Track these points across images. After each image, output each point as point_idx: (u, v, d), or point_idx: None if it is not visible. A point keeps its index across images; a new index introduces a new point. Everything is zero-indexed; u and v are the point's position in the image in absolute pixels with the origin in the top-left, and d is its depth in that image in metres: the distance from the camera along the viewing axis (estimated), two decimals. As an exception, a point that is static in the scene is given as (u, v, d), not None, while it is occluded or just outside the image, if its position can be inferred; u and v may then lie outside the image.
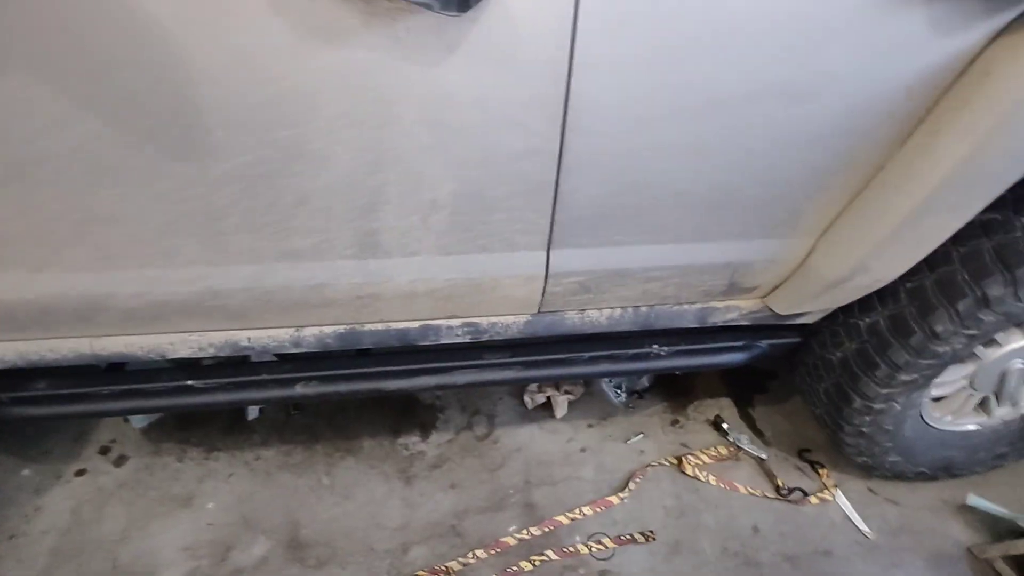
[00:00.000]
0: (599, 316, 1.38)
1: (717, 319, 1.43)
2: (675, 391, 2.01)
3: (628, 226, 1.17)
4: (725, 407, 1.97)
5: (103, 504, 1.59)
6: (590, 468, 1.75)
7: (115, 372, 1.34)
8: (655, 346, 1.46)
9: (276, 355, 1.40)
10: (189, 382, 1.30)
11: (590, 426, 1.89)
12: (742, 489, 1.71)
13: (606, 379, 1.96)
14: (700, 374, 2.08)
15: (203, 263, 1.08)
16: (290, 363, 1.38)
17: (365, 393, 1.35)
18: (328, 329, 1.29)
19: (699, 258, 1.26)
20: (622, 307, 1.38)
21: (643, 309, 1.39)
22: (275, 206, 1.01)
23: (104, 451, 1.72)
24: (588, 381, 1.99)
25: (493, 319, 1.34)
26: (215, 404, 1.31)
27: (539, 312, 1.35)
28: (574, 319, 1.37)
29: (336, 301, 1.20)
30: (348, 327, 1.29)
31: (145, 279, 1.08)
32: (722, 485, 1.72)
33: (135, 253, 1.03)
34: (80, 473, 1.66)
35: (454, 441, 1.82)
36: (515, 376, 1.40)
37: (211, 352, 1.26)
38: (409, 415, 1.89)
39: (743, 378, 2.06)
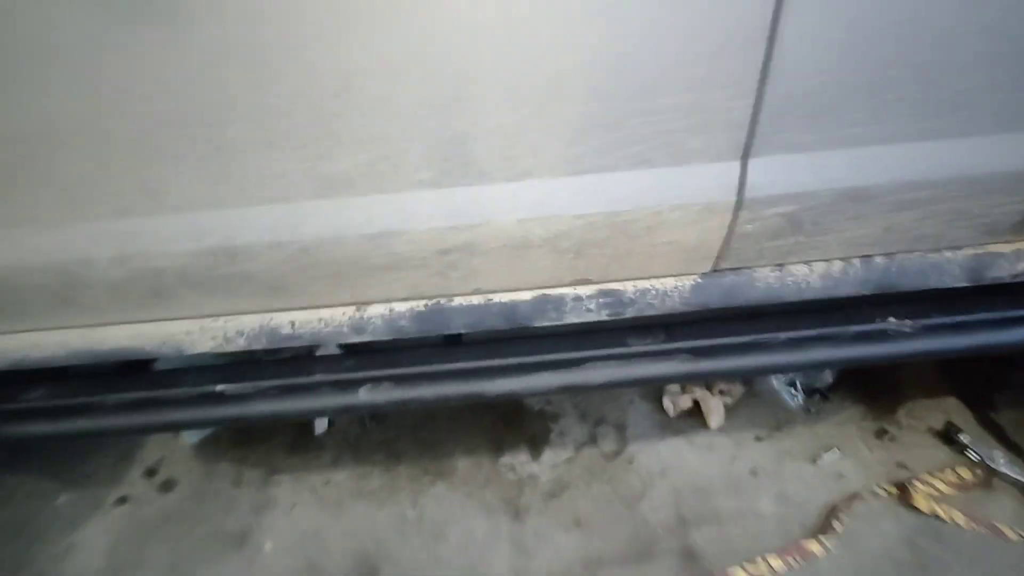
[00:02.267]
0: (808, 274, 0.89)
1: (1000, 272, 0.90)
2: (873, 389, 1.46)
3: (876, 108, 0.68)
4: (953, 410, 1.40)
5: (144, 542, 1.28)
6: (768, 499, 1.25)
7: (129, 377, 1.01)
8: (892, 319, 0.95)
9: (339, 346, 1.02)
10: (217, 388, 0.94)
11: (759, 440, 1.38)
12: (1009, 533, 1.15)
13: (777, 375, 1.45)
14: (906, 366, 1.52)
15: (206, 204, 0.70)
16: (356, 357, 0.98)
17: (457, 399, 0.93)
18: (401, 307, 0.89)
19: (988, 162, 0.75)
20: (845, 258, 0.88)
21: (878, 260, 0.89)
22: (302, 105, 0.61)
23: (150, 473, 1.42)
24: (750, 378, 1.48)
25: (644, 284, 0.89)
26: (251, 418, 0.93)
27: (714, 271, 0.88)
28: (768, 280, 0.89)
29: (411, 259, 0.79)
30: (430, 302, 0.88)
31: (124, 234, 0.72)
32: (975, 526, 1.16)
33: (103, 195, 0.67)
34: (121, 501, 1.36)
35: (575, 460, 1.37)
36: (679, 371, 0.93)
37: (242, 343, 0.89)
38: (514, 426, 1.46)
39: (971, 368, 1.48)
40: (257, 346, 0.90)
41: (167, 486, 1.39)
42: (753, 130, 0.69)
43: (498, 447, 1.41)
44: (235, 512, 1.33)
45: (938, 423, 1.37)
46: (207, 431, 1.49)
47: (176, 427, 0.99)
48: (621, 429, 1.43)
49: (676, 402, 1.44)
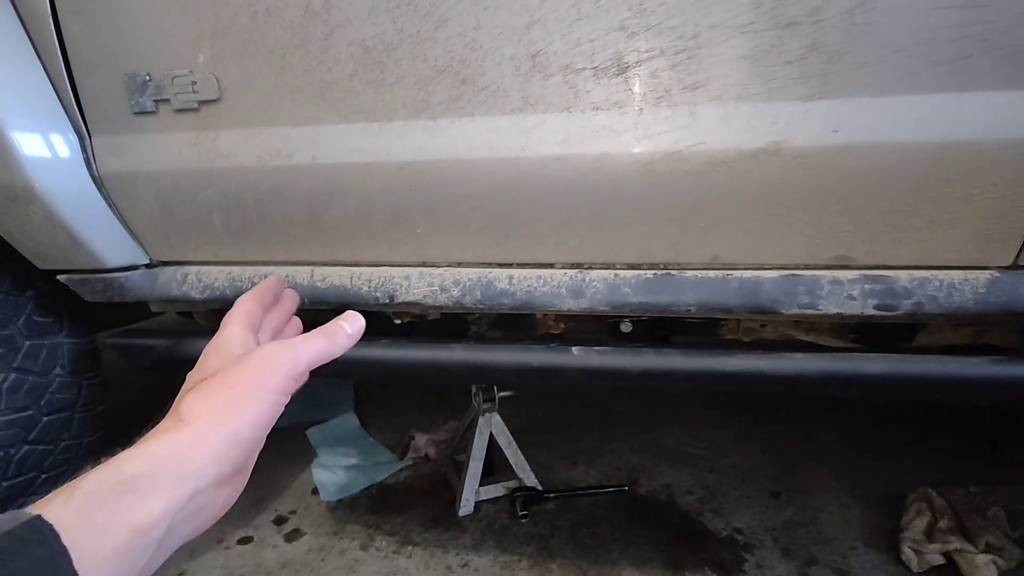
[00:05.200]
0: None
1: None
2: None
3: None
4: None
5: (256, 582, 1.11)
6: None
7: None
8: None
9: (531, 314, 0.93)
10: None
11: (1064, 622, 0.97)
12: None
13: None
14: None
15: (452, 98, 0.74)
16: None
17: (694, 379, 0.77)
18: (627, 273, 0.81)
19: None
20: None
21: None
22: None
23: (279, 521, 1.29)
24: (1025, 541, 1.11)
25: (922, 273, 0.75)
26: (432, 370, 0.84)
27: (1016, 265, 0.72)
28: (1098, 283, 0.71)
29: (656, 202, 0.75)
30: (660, 271, 0.81)
31: (380, 135, 0.77)
32: None
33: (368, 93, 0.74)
34: (245, 541, 1.23)
35: (782, 598, 1.04)
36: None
37: (455, 294, 0.85)
38: (696, 547, 1.17)
39: None
40: (469, 300, 0.85)
41: (293, 536, 1.24)
42: (1082, 47, 0.62)
43: (676, 566, 1.12)
44: (358, 574, 1.13)
45: None
46: (346, 493, 1.36)
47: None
48: (843, 574, 1.09)
49: (922, 552, 1.09)
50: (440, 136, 0.78)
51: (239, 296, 0.92)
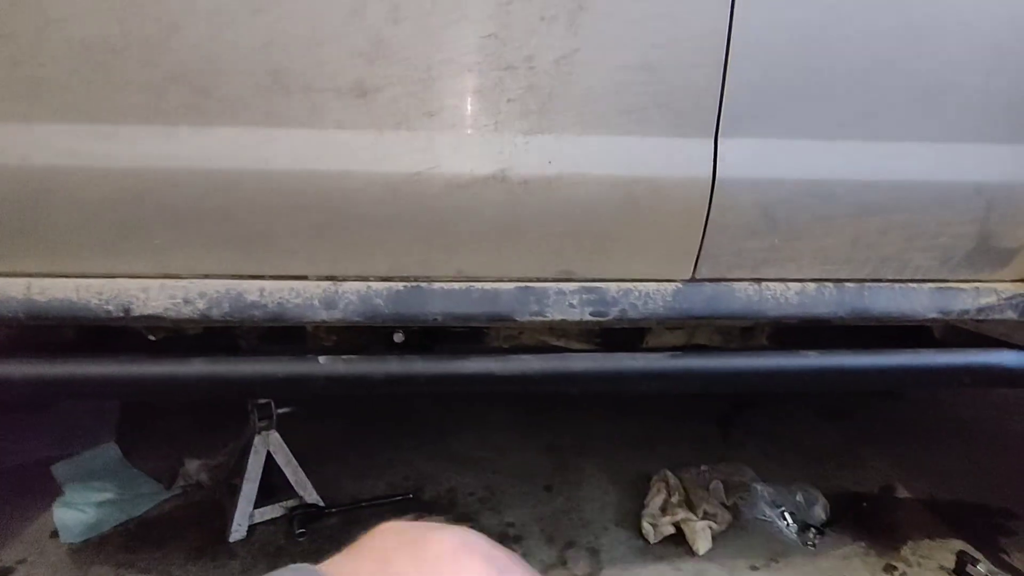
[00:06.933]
0: (785, 291, 0.91)
1: (963, 308, 0.93)
2: (871, 529, 1.32)
3: (838, 98, 0.80)
4: (962, 548, 1.26)
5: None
6: (774, 629, 1.04)
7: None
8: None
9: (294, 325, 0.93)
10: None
11: (755, 569, 1.19)
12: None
13: (770, 503, 1.32)
14: (905, 507, 1.40)
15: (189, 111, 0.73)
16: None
17: (435, 382, 0.83)
18: (379, 285, 0.85)
19: (940, 172, 0.85)
20: (818, 280, 0.92)
21: (850, 287, 0.92)
22: None
23: (4, 573, 1.12)
24: (736, 508, 1.34)
25: (625, 285, 0.88)
26: (184, 379, 0.80)
27: (693, 279, 0.89)
28: (748, 294, 0.90)
29: (402, 219, 0.80)
30: (410, 284, 0.86)
31: (111, 140, 0.73)
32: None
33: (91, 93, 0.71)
34: (-48, 602, 1.05)
35: (541, 581, 1.14)
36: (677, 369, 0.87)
37: (200, 307, 0.82)
38: (469, 544, 1.24)
39: (977, 515, 1.37)
40: (216, 312, 0.82)
41: (20, 588, 1.09)
42: (720, 107, 0.79)
43: (450, 565, 1.18)
44: (100, 621, 1.02)
45: (948, 562, 1.22)
46: (93, 532, 1.22)
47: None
48: (594, 553, 1.23)
49: (657, 525, 1.27)
50: (176, 144, 0.75)
51: (-69, 312, 0.80)
